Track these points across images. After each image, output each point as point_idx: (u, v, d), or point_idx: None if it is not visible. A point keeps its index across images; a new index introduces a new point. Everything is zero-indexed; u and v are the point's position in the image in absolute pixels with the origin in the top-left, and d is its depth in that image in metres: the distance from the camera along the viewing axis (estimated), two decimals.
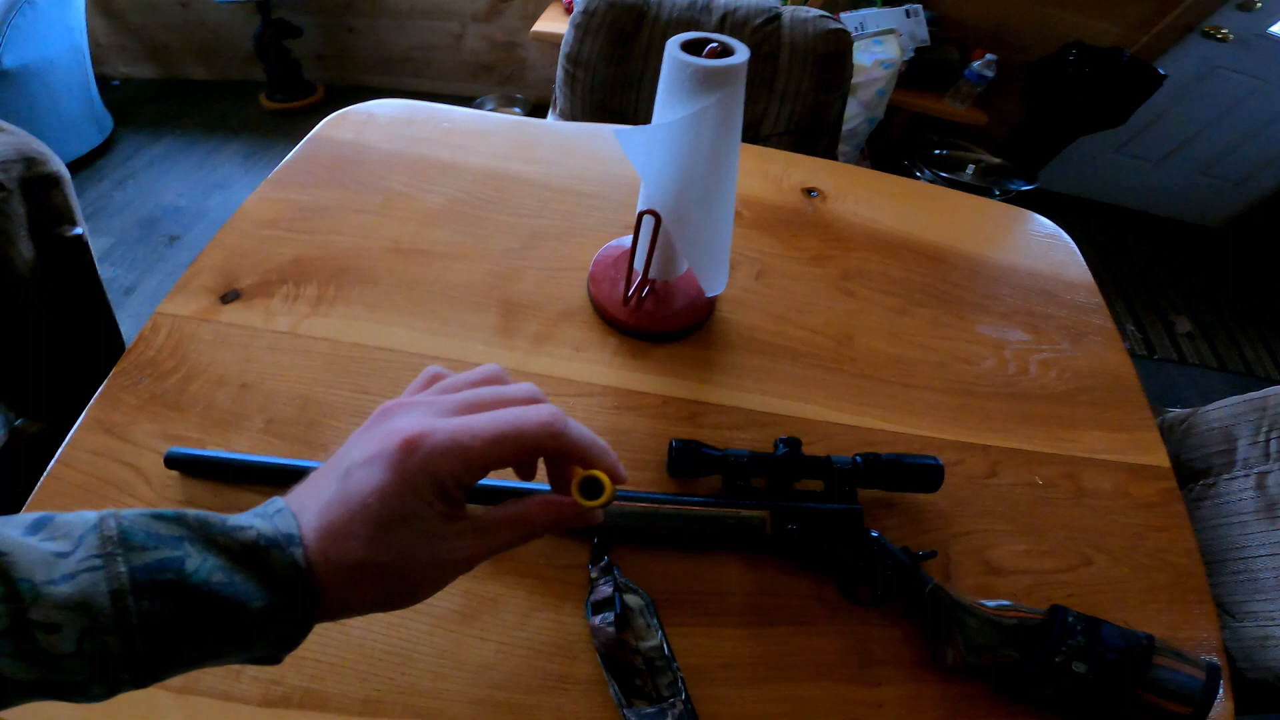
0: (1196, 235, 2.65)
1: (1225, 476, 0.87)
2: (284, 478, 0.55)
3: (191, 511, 0.26)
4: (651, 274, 0.67)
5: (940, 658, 0.55)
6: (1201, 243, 2.63)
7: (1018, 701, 0.54)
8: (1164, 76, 1.79)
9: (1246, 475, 0.84)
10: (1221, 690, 0.58)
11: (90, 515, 0.24)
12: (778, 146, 1.12)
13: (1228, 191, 2.56)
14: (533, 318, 0.70)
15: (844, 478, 0.58)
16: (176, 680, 0.43)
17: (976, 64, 1.98)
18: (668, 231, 0.61)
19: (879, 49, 1.62)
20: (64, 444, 0.57)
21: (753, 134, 1.18)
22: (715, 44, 0.54)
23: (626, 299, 0.68)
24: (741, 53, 0.53)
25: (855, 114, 1.61)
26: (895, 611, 0.58)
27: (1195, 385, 2.14)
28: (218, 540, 0.25)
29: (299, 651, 0.42)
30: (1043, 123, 1.86)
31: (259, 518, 0.27)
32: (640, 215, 0.60)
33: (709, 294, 0.68)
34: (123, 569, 0.23)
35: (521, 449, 0.29)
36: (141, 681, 0.24)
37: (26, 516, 0.24)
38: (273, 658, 0.27)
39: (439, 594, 0.43)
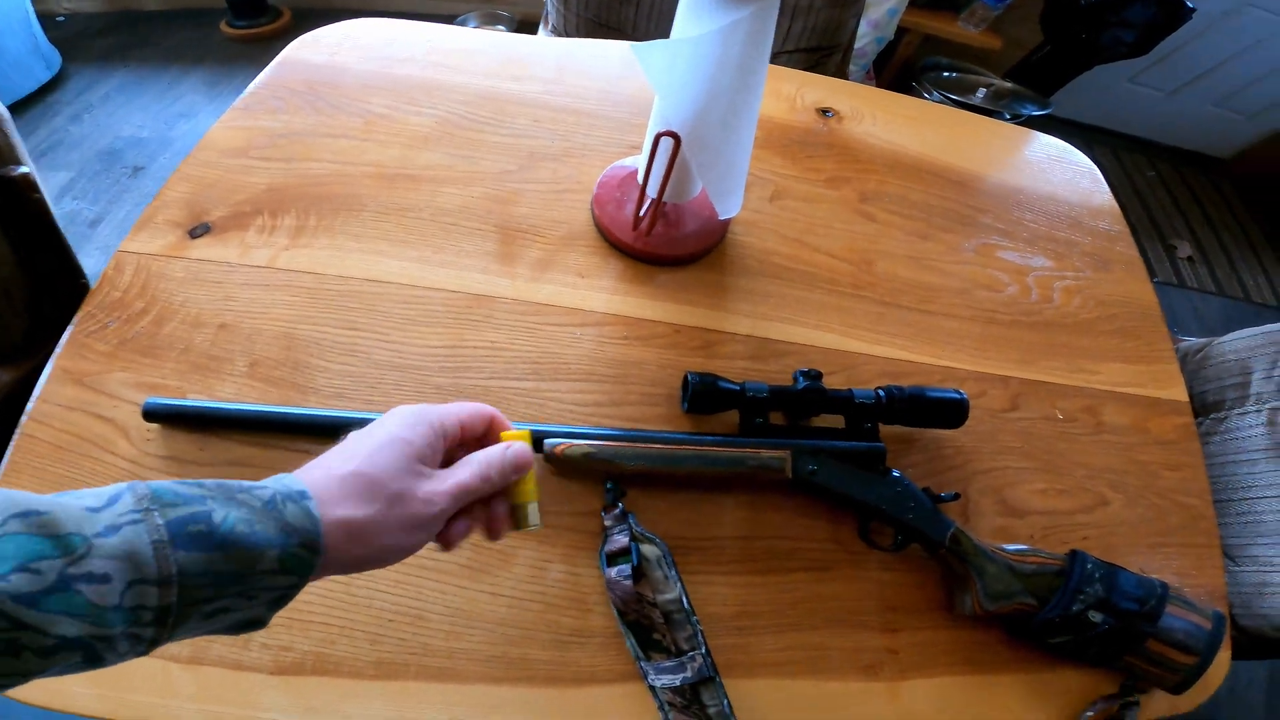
0: (1204, 165, 2.58)
1: (1237, 411, 0.83)
2: (274, 426, 0.52)
3: (209, 480, 0.28)
4: (666, 194, 0.62)
5: (959, 605, 0.54)
6: (1208, 172, 2.57)
7: (1030, 647, 0.54)
8: (1192, 10, 1.71)
9: (1259, 410, 0.80)
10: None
11: (116, 485, 0.26)
12: (788, 64, 1.04)
13: (1240, 124, 2.47)
14: (534, 243, 0.66)
15: (866, 413, 0.55)
16: (185, 651, 0.45)
17: None
18: (683, 153, 0.56)
19: None
20: (33, 398, 0.53)
21: None
22: None
23: (636, 222, 0.63)
24: None
25: (864, 33, 1.51)
26: (913, 556, 0.56)
27: (1193, 309, 2.13)
28: (238, 498, 0.27)
29: (307, 616, 0.45)
30: (1061, 51, 1.78)
31: (273, 481, 0.29)
32: (657, 137, 0.55)
33: (723, 216, 0.63)
34: (160, 521, 0.24)
35: (483, 421, 0.38)
36: (157, 641, 0.25)
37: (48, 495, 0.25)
38: (261, 620, 0.28)
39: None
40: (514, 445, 0.37)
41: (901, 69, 2.02)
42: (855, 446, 0.54)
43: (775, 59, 1.12)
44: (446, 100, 0.76)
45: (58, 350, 0.55)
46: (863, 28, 1.48)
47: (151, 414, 0.51)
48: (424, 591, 0.49)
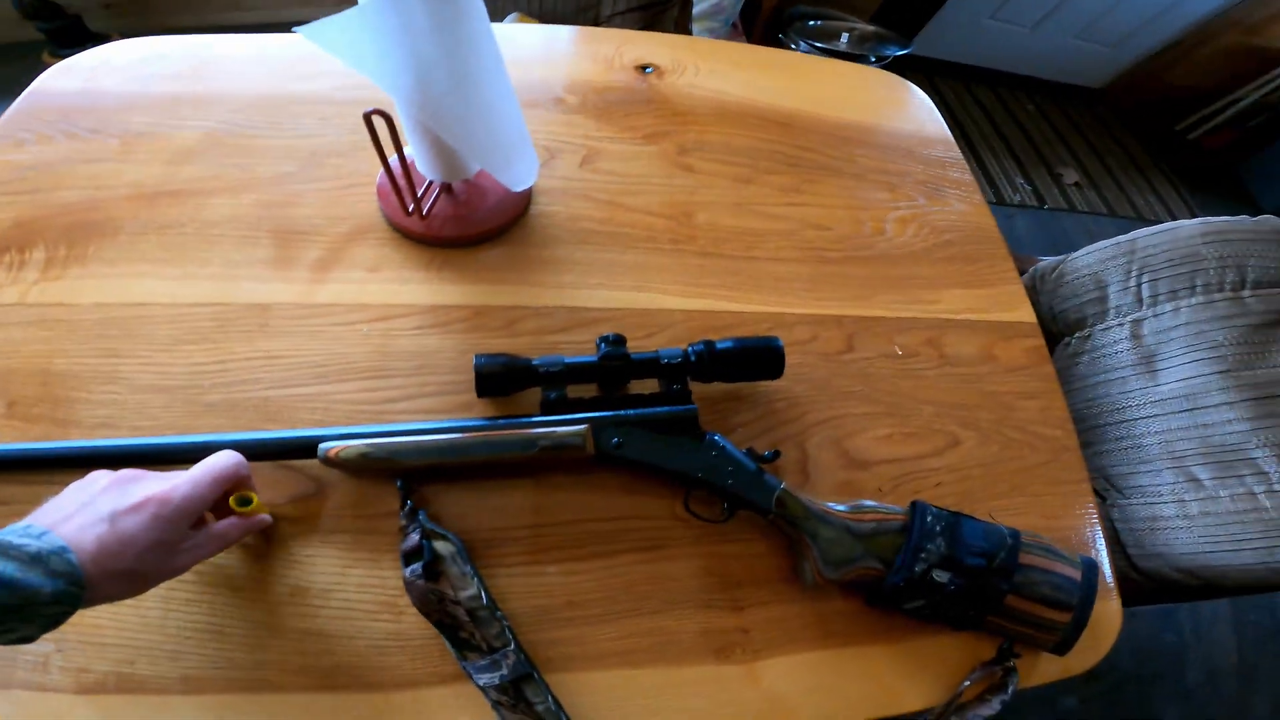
0: (1080, 96, 2.66)
1: (1100, 326, 0.83)
2: (35, 463, 0.49)
3: None
4: (437, 175, 0.58)
5: (801, 575, 0.51)
6: (1086, 103, 2.65)
7: (891, 613, 0.51)
8: None
9: (1120, 324, 0.80)
10: (1110, 581, 0.56)
11: None
12: (622, 25, 1.01)
13: (1105, 54, 2.54)
14: (314, 243, 0.60)
15: (676, 373, 0.52)
16: None
17: None
18: (429, 128, 0.52)
19: None
20: None
21: (592, 16, 1.06)
22: None
23: (407, 208, 0.58)
24: None
25: None
26: (752, 525, 0.53)
27: (1086, 230, 2.18)
28: (9, 553, 0.32)
29: (100, 639, 0.46)
30: None
31: (28, 538, 0.34)
32: (366, 117, 0.49)
33: (514, 188, 0.60)
34: None
35: (230, 482, 0.43)
36: None
37: None
38: (30, 637, 0.34)
39: (233, 565, 0.47)
40: (256, 518, 0.45)
41: (771, 21, 2.00)
42: (663, 412, 0.51)
43: (608, 23, 1.09)
44: (217, 110, 0.69)
45: None
46: None
47: None
48: (217, 609, 0.47)
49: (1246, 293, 0.74)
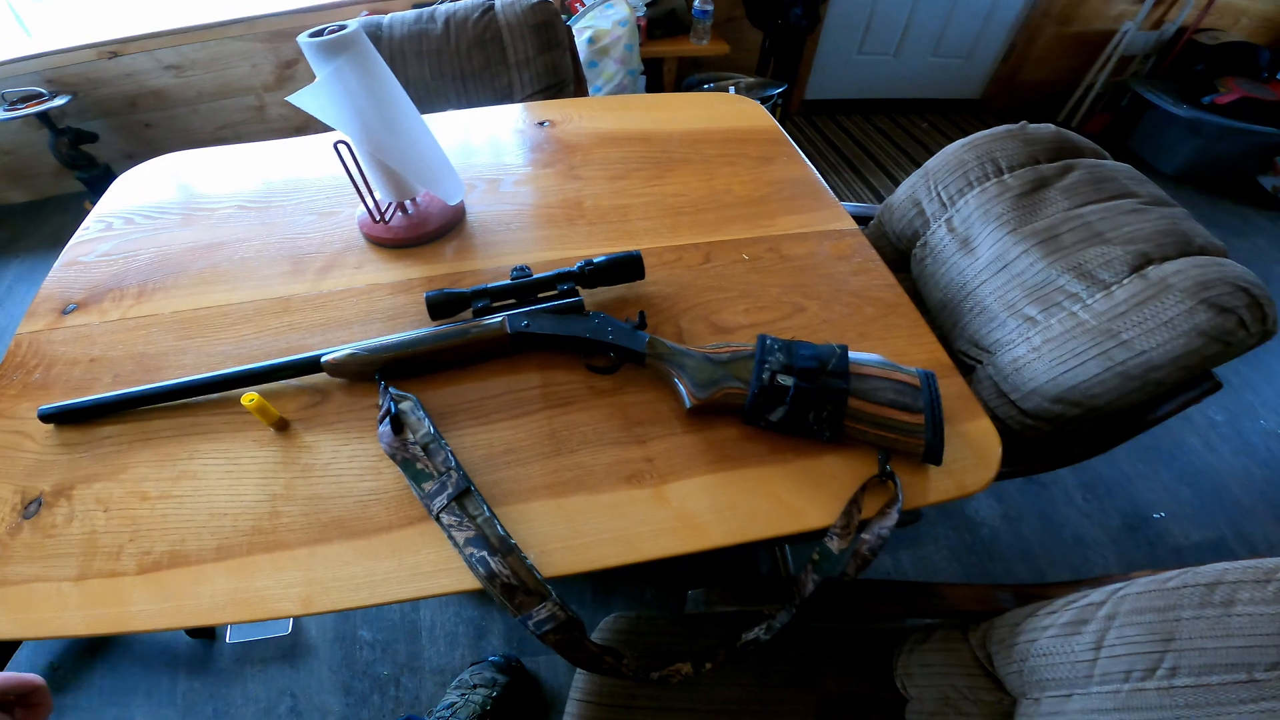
0: (965, 107, 3.01)
1: (929, 232, 1.07)
2: (129, 404, 0.67)
3: None
4: (392, 196, 0.85)
5: (683, 403, 0.63)
6: (972, 112, 3.00)
7: (778, 439, 0.62)
8: None
9: (939, 225, 1.04)
10: (1001, 456, 0.62)
11: None
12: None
13: (964, 66, 2.86)
14: (316, 258, 0.87)
15: (566, 280, 0.74)
16: (73, 571, 0.57)
17: (698, 2, 2.22)
18: (376, 157, 0.79)
19: (612, 11, 1.87)
20: None
21: (508, 101, 1.39)
22: (334, 26, 0.73)
23: (374, 218, 0.86)
24: (350, 26, 0.73)
25: (615, 70, 1.84)
26: (644, 380, 0.68)
27: None
28: None
29: (162, 525, 0.58)
30: (774, 38, 2.17)
31: None
32: (335, 147, 0.77)
33: (449, 202, 0.86)
34: None
35: (19, 685, 0.49)
36: None
37: None
38: None
39: (259, 448, 0.63)
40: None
41: (674, 92, 2.38)
42: (557, 303, 0.72)
43: (523, 101, 1.41)
44: (242, 190, 1.00)
45: None
46: (612, 67, 1.80)
47: (45, 416, 0.67)
48: (243, 490, 0.61)
49: (1007, 177, 0.98)
